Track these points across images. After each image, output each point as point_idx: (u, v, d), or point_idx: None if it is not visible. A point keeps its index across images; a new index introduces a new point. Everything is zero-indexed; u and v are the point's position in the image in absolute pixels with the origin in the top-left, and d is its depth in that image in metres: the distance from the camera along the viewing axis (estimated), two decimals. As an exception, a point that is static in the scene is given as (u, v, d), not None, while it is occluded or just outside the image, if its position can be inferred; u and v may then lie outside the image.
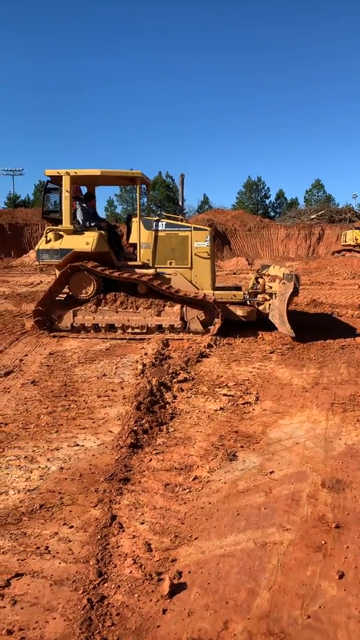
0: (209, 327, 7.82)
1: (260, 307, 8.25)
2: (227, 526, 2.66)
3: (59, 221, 8.19)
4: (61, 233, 7.88)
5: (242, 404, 4.64)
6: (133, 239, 8.21)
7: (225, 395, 4.88)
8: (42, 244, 7.92)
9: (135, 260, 8.18)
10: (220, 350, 6.85)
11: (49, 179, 8.19)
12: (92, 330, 7.93)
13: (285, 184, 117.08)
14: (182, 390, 4.99)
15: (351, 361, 6.24)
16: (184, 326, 7.91)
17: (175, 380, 5.27)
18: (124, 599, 2.11)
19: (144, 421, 4.02)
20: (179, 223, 8.51)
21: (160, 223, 8.26)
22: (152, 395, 4.59)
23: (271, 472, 3.28)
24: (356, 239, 27.15)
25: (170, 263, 8.20)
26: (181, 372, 5.57)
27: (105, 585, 2.19)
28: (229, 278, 19.89)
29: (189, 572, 2.29)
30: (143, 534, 2.59)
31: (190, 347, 6.89)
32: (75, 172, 7.83)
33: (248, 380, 5.42)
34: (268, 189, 56.61)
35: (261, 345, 7.19)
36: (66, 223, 7.86)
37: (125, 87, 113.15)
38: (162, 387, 4.92)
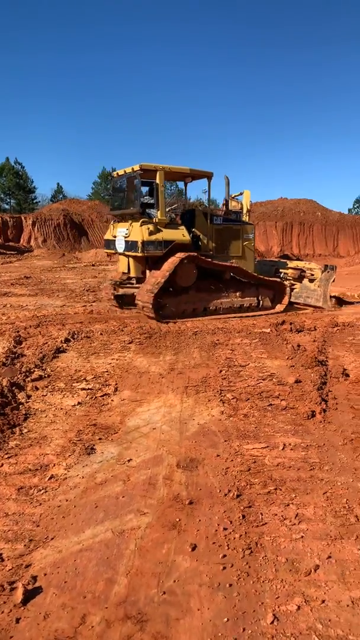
0: (274, 304, 9.92)
1: None
2: (85, 520, 2.64)
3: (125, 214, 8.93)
4: (158, 226, 8.35)
5: (101, 396, 4.62)
6: (197, 230, 9.24)
7: (83, 389, 4.81)
8: (145, 236, 8.17)
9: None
10: (78, 344, 6.71)
11: (141, 172, 8.35)
12: (187, 315, 8.71)
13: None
14: (37, 388, 4.78)
15: (203, 345, 6.65)
16: (257, 304, 9.68)
17: (29, 379, 5.01)
18: (-28, 618, 1.96)
19: (-6, 425, 3.75)
20: (234, 218, 10.11)
21: (219, 218, 9.63)
22: (3, 397, 4.30)
23: (129, 460, 3.34)
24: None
25: (226, 253, 9.58)
26: (36, 369, 5.32)
27: None
28: (87, 270, 19.58)
29: (45, 574, 2.21)
30: (-6, 544, 2.42)
31: (46, 343, 6.63)
32: (169, 168, 8.53)
33: (107, 372, 5.41)
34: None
35: (120, 336, 7.24)
36: (161, 215, 8.41)
37: None
38: (14, 388, 4.64)
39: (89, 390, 4.76)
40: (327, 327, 7.74)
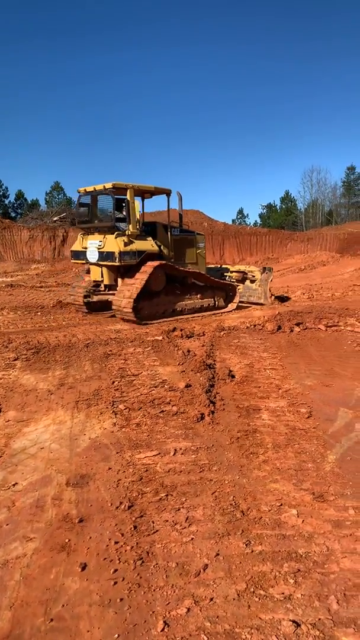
0: (227, 304, 11.05)
1: None
2: None
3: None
4: (130, 238, 9.13)
5: (-17, 419, 4.31)
6: (158, 241, 9.95)
7: None
8: (121, 247, 8.91)
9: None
10: None
11: (113, 190, 9.10)
12: (159, 317, 9.59)
13: (25, 184, 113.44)
14: None
15: (95, 357, 6.54)
16: (214, 304, 10.81)
17: None
18: None
19: None
20: (187, 229, 11.37)
21: (176, 229, 10.59)
22: None
23: (14, 485, 3.15)
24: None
25: (183, 260, 10.54)
26: None
27: None
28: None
29: None
30: None
31: None
32: (138, 186, 9.50)
33: (-11, 392, 5.06)
34: (6, 188, 54.15)
35: (4, 353, 6.82)
36: (133, 228, 9.23)
37: None
38: None
39: (-31, 414, 4.40)
40: (215, 332, 8.07)
